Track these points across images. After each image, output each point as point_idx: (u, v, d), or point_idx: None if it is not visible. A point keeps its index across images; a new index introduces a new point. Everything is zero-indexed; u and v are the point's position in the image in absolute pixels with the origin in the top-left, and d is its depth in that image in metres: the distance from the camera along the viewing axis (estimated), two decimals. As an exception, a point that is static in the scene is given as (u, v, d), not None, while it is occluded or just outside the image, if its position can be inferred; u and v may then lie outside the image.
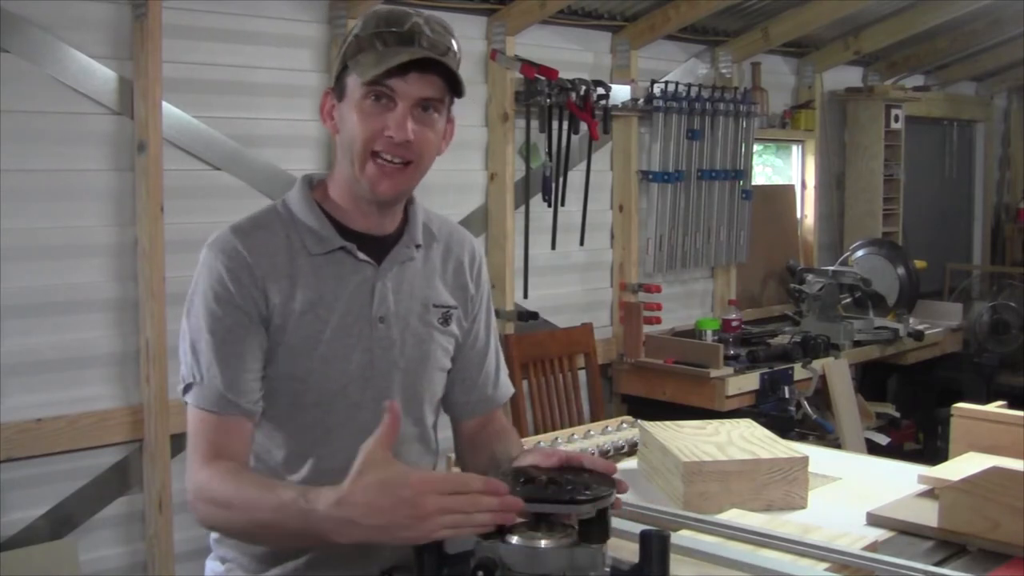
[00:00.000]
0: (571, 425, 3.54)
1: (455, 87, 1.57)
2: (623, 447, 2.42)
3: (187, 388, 1.56)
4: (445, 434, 1.81)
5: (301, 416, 1.60)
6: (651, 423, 2.30)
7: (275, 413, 1.60)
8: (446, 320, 1.70)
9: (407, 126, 1.52)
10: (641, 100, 4.64)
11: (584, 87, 4.23)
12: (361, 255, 1.62)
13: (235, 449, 1.53)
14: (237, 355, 1.55)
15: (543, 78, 4.11)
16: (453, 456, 1.92)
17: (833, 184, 6.04)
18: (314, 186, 1.67)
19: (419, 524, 1.25)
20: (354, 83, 1.54)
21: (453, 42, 1.58)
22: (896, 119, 5.99)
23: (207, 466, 1.49)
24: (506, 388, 1.84)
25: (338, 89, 1.59)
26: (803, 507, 2.02)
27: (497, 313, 4.14)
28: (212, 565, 1.69)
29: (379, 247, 1.64)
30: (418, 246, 1.69)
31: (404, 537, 1.27)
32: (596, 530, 1.32)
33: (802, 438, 4.04)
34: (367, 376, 1.62)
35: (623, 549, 1.56)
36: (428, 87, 1.53)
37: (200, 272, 1.59)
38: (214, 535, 1.68)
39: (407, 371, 1.66)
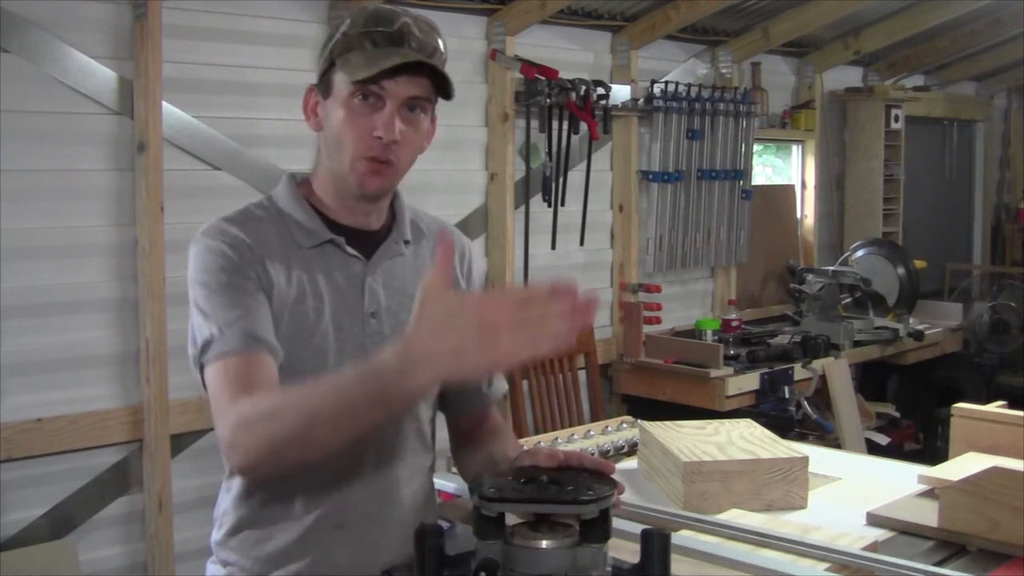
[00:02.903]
0: (571, 425, 3.54)
1: (442, 88, 1.56)
2: (623, 447, 2.42)
3: (204, 348, 1.49)
4: (443, 435, 1.82)
5: None
6: (651, 423, 2.30)
7: None
8: None
9: (395, 126, 1.53)
10: (641, 100, 4.64)
11: (584, 87, 4.23)
12: (350, 249, 1.62)
13: (268, 384, 1.46)
14: (255, 304, 1.51)
15: (543, 78, 4.11)
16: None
17: (833, 184, 6.05)
18: (299, 183, 1.68)
19: (494, 343, 1.16)
20: (342, 81, 1.55)
21: (440, 42, 1.57)
22: (896, 119, 6.00)
23: (241, 399, 1.41)
24: (500, 385, 1.84)
25: (323, 86, 1.59)
26: (803, 507, 2.02)
27: (497, 313, 4.16)
28: (213, 568, 1.68)
29: (368, 242, 1.64)
30: (407, 242, 1.69)
31: (480, 364, 1.18)
32: (597, 530, 1.31)
33: (802, 438, 4.04)
34: None
35: (623, 549, 1.56)
36: (416, 87, 1.53)
37: (197, 257, 1.55)
38: (215, 537, 1.67)
39: None
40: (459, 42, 4.10)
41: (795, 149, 5.96)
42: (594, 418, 4.27)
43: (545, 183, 4.25)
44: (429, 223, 1.76)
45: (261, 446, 1.37)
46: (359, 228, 1.64)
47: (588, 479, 1.37)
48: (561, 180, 4.31)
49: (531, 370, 4.18)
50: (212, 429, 1.67)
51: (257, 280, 1.54)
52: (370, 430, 1.34)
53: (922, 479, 2.10)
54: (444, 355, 1.18)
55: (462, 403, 1.79)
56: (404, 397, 1.26)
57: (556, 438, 2.39)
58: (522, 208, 4.29)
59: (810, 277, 5.20)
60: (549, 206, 4.29)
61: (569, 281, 1.20)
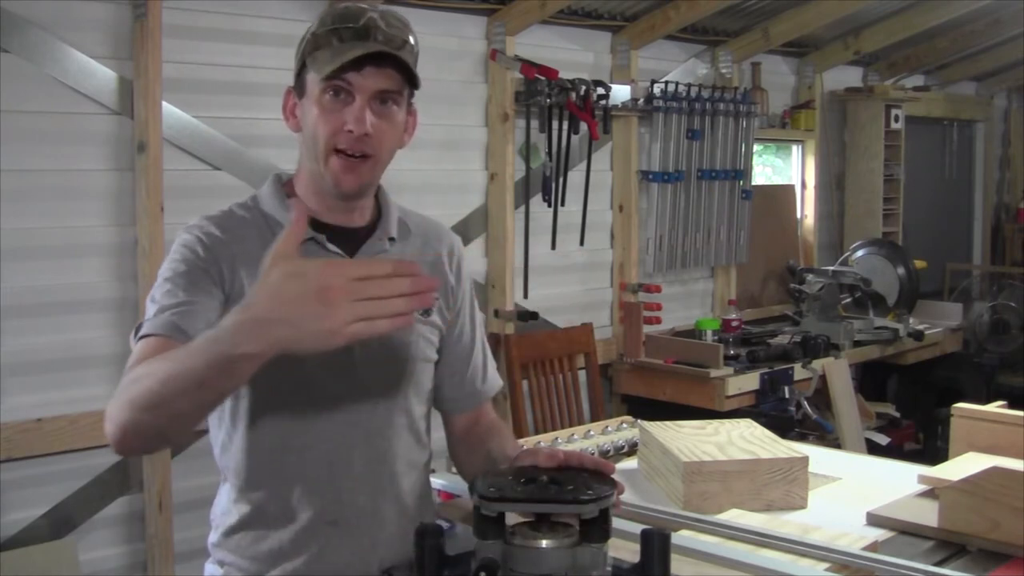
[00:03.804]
0: (571, 425, 3.54)
1: (412, 79, 1.57)
2: (623, 447, 2.42)
3: (136, 331, 1.51)
4: (441, 434, 1.82)
5: (281, 407, 1.59)
6: (651, 423, 2.30)
7: (254, 403, 1.58)
8: (426, 311, 1.70)
9: (365, 119, 1.54)
10: (641, 100, 4.64)
11: (584, 87, 4.23)
12: (331, 247, 1.62)
13: None
14: (202, 300, 1.52)
15: (543, 78, 4.11)
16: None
17: (833, 184, 6.05)
18: (283, 183, 1.70)
19: (330, 314, 1.14)
20: (313, 80, 1.57)
21: (410, 36, 1.58)
22: (896, 119, 6.00)
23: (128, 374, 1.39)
24: (494, 381, 1.84)
25: (298, 87, 1.63)
26: (803, 507, 2.02)
27: (496, 313, 4.17)
28: (210, 568, 1.68)
29: (351, 240, 1.65)
30: (392, 239, 1.69)
31: (316, 332, 1.15)
32: (598, 530, 1.31)
33: (802, 438, 4.04)
34: (347, 368, 1.61)
35: (623, 549, 1.56)
36: (384, 80, 1.54)
37: (171, 252, 1.59)
38: (212, 539, 1.67)
39: (388, 362, 1.65)
40: (459, 42, 4.11)
41: (795, 149, 5.96)
42: (594, 418, 4.27)
43: (545, 183, 4.25)
44: (418, 221, 1.77)
45: (124, 412, 1.33)
46: (342, 226, 1.64)
47: (588, 479, 1.37)
48: (561, 180, 4.31)
49: (531, 370, 4.19)
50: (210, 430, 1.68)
51: (218, 277, 1.55)
52: (222, 399, 1.34)
53: (922, 479, 2.09)
54: (279, 322, 1.16)
55: (456, 399, 1.80)
56: (244, 364, 1.21)
57: (556, 438, 2.39)
58: (522, 208, 4.29)
59: (810, 277, 5.20)
60: (549, 206, 4.29)
61: (411, 263, 1.20)
